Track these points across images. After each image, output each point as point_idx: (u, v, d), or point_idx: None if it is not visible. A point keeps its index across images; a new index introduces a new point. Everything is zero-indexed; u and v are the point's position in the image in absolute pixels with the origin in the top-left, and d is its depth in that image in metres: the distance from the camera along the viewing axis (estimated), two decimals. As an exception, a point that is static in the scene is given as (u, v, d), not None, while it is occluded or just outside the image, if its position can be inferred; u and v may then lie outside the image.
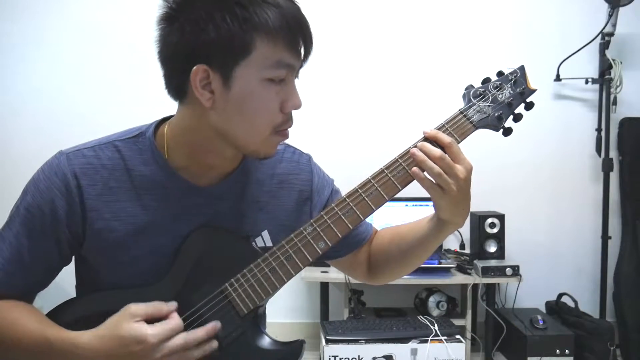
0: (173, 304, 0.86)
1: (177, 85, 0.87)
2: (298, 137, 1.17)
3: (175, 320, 0.83)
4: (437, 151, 0.87)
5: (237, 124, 0.86)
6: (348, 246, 1.08)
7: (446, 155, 0.87)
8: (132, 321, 0.81)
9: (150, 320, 0.82)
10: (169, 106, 0.96)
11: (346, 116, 3.08)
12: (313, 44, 0.88)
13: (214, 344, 0.86)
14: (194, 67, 0.82)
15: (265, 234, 0.99)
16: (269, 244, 0.98)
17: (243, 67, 0.82)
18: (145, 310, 0.83)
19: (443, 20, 3.07)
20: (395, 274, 1.09)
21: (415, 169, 0.88)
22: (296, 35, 0.84)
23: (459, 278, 2.77)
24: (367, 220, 0.97)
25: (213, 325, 0.86)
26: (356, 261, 1.11)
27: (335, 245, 0.91)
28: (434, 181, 0.88)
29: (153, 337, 0.80)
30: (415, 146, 0.90)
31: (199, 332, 0.84)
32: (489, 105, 0.95)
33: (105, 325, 0.83)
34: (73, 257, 0.96)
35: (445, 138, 0.89)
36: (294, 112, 0.90)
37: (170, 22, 0.84)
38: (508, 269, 2.72)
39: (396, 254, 1.05)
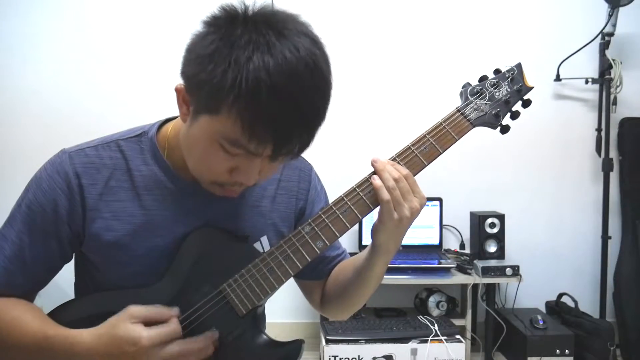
0: (175, 310, 0.85)
1: None
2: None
3: (173, 326, 0.82)
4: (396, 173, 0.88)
5: (187, 155, 0.87)
6: (320, 272, 1.07)
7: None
8: (129, 322, 0.81)
9: (150, 323, 0.82)
10: (172, 105, 0.96)
11: (344, 115, 3.07)
12: (293, 146, 0.79)
13: (210, 350, 0.85)
14: (179, 85, 0.82)
15: (264, 239, 0.99)
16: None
17: (207, 119, 0.78)
18: (145, 313, 0.82)
19: (443, 20, 3.07)
20: (340, 307, 1.06)
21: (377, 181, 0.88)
22: (264, 132, 0.75)
23: (459, 278, 2.77)
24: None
25: (211, 335, 0.85)
26: (316, 289, 1.10)
27: (310, 265, 0.90)
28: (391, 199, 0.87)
29: (147, 340, 0.79)
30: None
31: (196, 342, 0.83)
32: (486, 103, 0.94)
33: (104, 324, 0.83)
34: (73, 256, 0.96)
35: (398, 172, 0.88)
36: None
37: (200, 29, 0.80)
38: (508, 269, 2.72)
39: (340, 286, 1.04)
